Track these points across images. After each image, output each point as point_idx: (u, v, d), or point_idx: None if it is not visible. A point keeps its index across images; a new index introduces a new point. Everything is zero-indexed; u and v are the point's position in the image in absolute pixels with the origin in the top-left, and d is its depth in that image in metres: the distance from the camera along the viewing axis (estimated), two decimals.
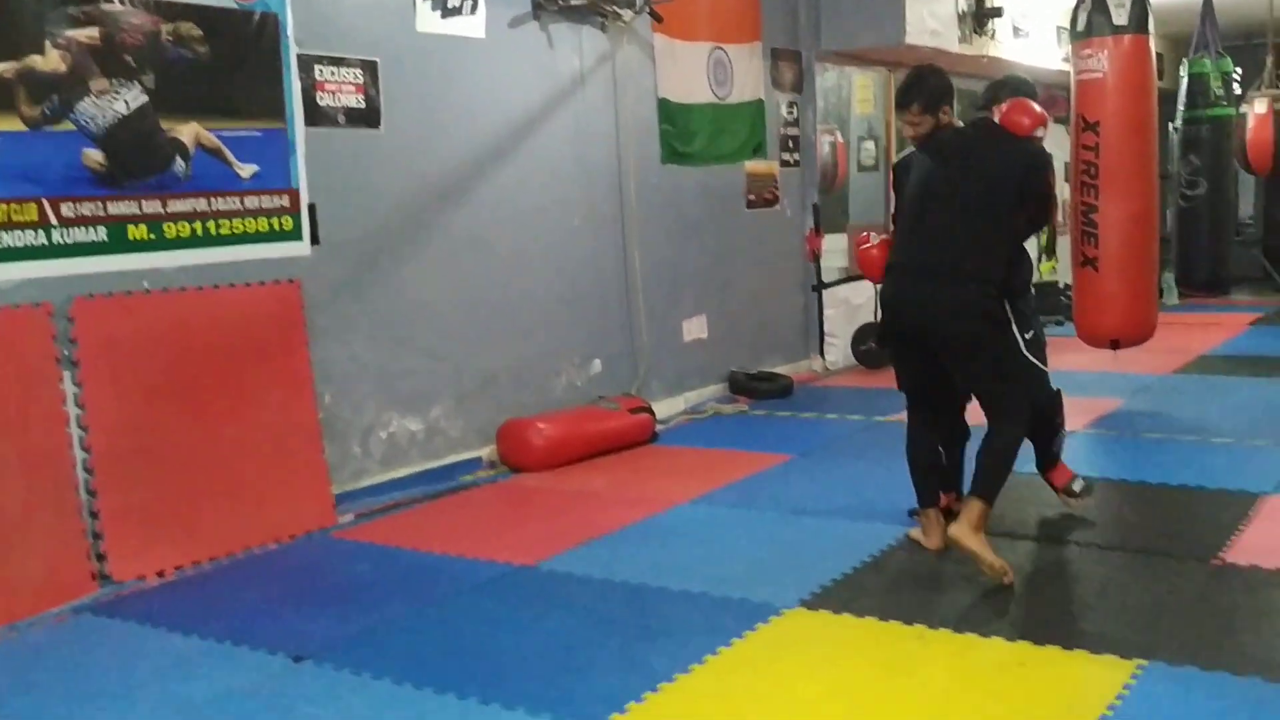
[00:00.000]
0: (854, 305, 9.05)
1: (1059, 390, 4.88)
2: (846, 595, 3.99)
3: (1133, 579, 4.08)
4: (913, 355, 4.47)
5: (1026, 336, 4.53)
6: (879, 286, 4.69)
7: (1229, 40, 11.52)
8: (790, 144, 8.66)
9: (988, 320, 4.22)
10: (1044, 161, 4.48)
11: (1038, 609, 3.84)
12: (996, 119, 4.51)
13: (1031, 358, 4.57)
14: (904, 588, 4.12)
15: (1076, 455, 5.69)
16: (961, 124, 4.65)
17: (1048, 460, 4.94)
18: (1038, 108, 4.47)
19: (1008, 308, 4.29)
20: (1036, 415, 4.55)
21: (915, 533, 4.60)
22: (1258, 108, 11.71)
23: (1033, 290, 5.05)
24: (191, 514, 4.68)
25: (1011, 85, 4.88)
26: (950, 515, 4.41)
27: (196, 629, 3.93)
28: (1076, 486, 4.91)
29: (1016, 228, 4.42)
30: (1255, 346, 9.35)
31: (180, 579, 4.51)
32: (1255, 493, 4.98)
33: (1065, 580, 4.13)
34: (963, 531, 4.07)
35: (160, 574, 4.50)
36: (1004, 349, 4.29)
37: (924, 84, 4.41)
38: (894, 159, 10.08)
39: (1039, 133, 4.41)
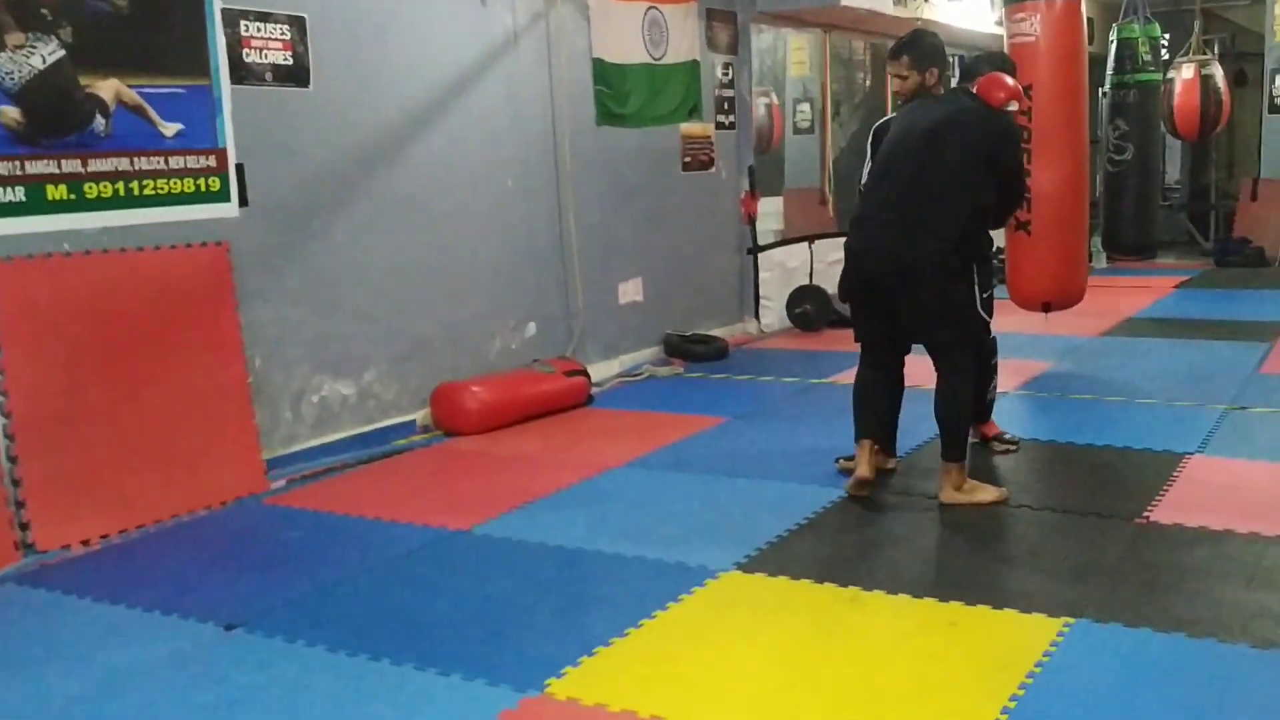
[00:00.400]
0: (789, 269, 9.07)
1: (995, 338, 5.17)
2: (782, 557, 4.02)
3: (1061, 538, 4.15)
4: (871, 305, 4.69)
5: (984, 296, 4.84)
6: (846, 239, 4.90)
7: (1157, 6, 11.66)
8: (726, 106, 8.63)
9: (944, 273, 4.44)
10: (1014, 134, 4.69)
11: (969, 569, 3.90)
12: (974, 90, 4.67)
13: (983, 311, 4.86)
14: (839, 549, 4.15)
15: (1009, 416, 5.78)
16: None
17: (982, 412, 5.20)
18: (1011, 82, 4.65)
19: (965, 264, 4.52)
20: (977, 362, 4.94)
21: (845, 462, 4.90)
22: (1184, 73, 11.89)
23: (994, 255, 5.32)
24: (118, 481, 4.59)
25: (990, 60, 5.03)
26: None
27: (124, 598, 3.86)
28: (1008, 435, 5.29)
29: (981, 194, 4.54)
30: (1180, 309, 9.54)
31: (107, 547, 4.42)
32: (1180, 453, 5.09)
33: (996, 540, 4.19)
34: (949, 495, 4.49)
35: (86, 543, 4.40)
36: (956, 302, 4.52)
37: (918, 40, 4.71)
38: (829, 121, 10.13)
39: (1011, 106, 4.59)
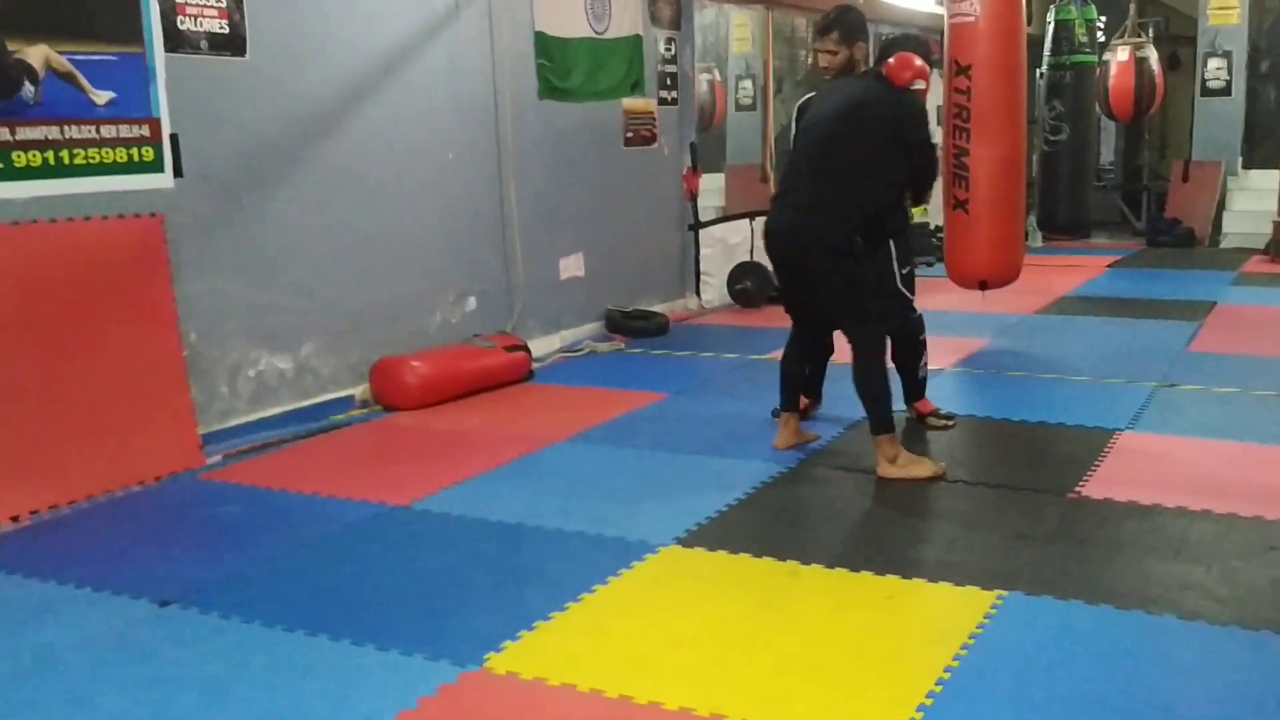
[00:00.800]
0: (730, 245, 9.10)
1: (921, 315, 5.29)
2: (721, 532, 4.04)
3: (995, 513, 4.21)
4: (787, 282, 4.93)
5: (903, 272, 5.06)
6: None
7: None
8: (668, 82, 8.61)
9: (844, 253, 4.55)
10: (916, 112, 4.73)
11: (905, 544, 3.95)
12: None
13: (903, 288, 5.08)
14: (777, 524, 4.19)
15: (944, 392, 5.85)
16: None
17: (916, 390, 5.33)
18: (919, 62, 4.70)
19: (874, 243, 4.67)
20: (906, 340, 5.16)
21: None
22: (1120, 55, 12.05)
23: (911, 232, 5.54)
24: (49, 456, 4.50)
25: (902, 42, 5.08)
26: (805, 417, 5.23)
27: (55, 575, 3.80)
28: (943, 411, 5.36)
29: (891, 173, 4.64)
30: (1113, 288, 9.70)
31: (37, 523, 4.34)
32: (1110, 429, 5.19)
33: (932, 515, 4.25)
34: (885, 470, 4.58)
35: (15, 519, 4.32)
36: (859, 281, 4.62)
37: (845, 16, 4.77)
38: (771, 98, 10.15)
39: (918, 85, 4.65)
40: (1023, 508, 4.24)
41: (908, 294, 5.18)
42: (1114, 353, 6.92)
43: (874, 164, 4.57)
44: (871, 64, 4.95)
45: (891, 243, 4.99)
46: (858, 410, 4.95)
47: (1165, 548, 3.80)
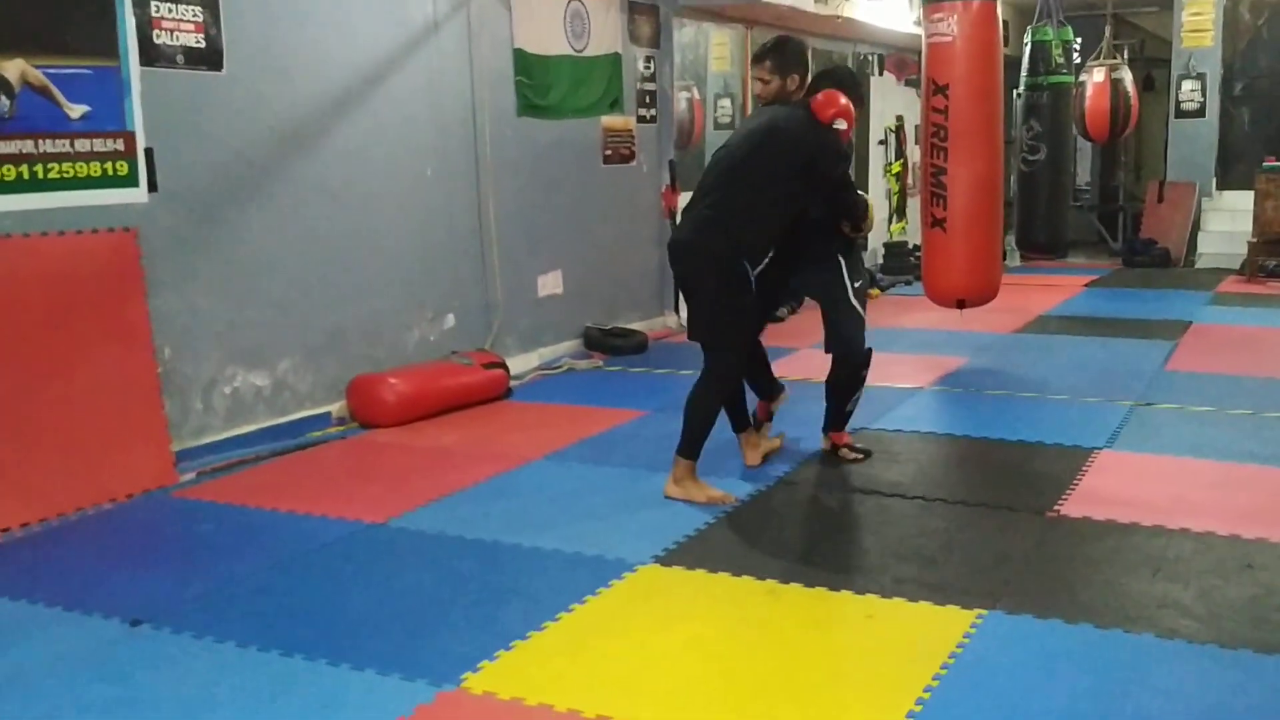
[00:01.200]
0: None
1: (870, 349, 5.03)
2: (699, 551, 4.02)
3: (975, 532, 4.21)
4: (682, 290, 4.87)
5: (856, 285, 4.93)
6: None
7: (1070, 10, 11.90)
8: (647, 99, 8.62)
9: (725, 271, 4.51)
10: (834, 149, 4.70)
11: (884, 562, 3.93)
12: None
13: (855, 302, 4.94)
14: (756, 543, 4.17)
15: (922, 411, 5.86)
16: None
17: (837, 421, 5.12)
18: (844, 101, 4.66)
19: (749, 273, 4.56)
20: (845, 366, 4.98)
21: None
22: (1095, 76, 12.14)
23: (861, 247, 5.46)
24: (19, 473, 4.44)
25: (834, 76, 5.00)
26: (773, 408, 5.23)
27: (25, 593, 3.74)
28: (858, 445, 5.16)
29: (797, 201, 4.65)
30: (1090, 307, 9.75)
31: (8, 541, 4.28)
32: (1088, 448, 5.20)
33: (911, 534, 4.24)
34: (669, 489, 4.57)
35: None
36: (727, 306, 4.56)
37: (783, 47, 4.78)
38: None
39: (839, 124, 4.62)
40: (1002, 526, 4.24)
41: (859, 308, 4.97)
42: (1092, 372, 6.95)
43: (776, 188, 4.55)
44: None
45: (841, 259, 4.92)
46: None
47: (1143, 566, 3.80)
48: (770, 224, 4.61)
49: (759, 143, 4.61)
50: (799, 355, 7.13)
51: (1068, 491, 4.59)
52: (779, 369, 5.39)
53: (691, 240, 4.60)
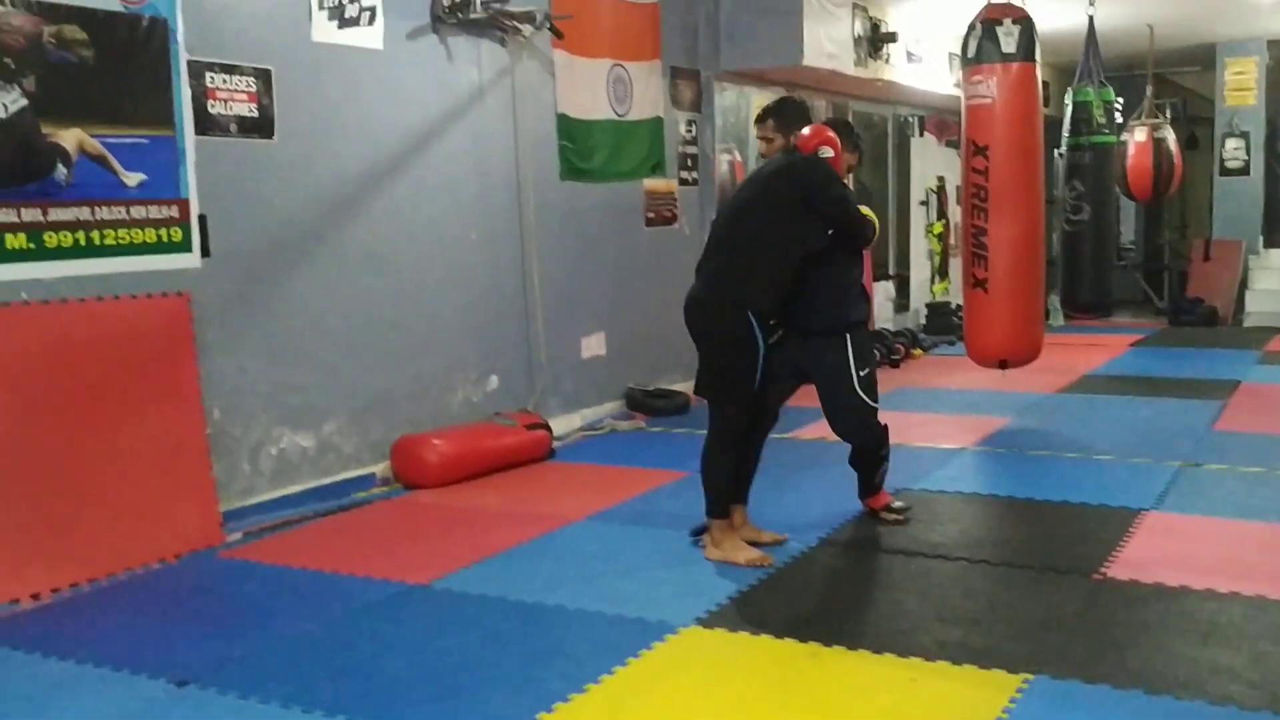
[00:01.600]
0: None
1: (886, 425, 5.00)
2: (742, 613, 4.01)
3: (1019, 594, 4.16)
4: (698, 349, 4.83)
5: (862, 374, 4.78)
6: None
7: (1111, 70, 11.90)
8: (689, 162, 8.71)
9: (725, 326, 4.55)
10: (823, 172, 4.65)
11: (928, 625, 3.89)
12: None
13: (863, 394, 4.79)
14: (798, 605, 4.15)
15: (965, 472, 5.82)
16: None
17: (870, 490, 5.10)
18: (828, 132, 4.72)
19: (755, 327, 4.52)
20: (861, 450, 4.97)
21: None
22: (1138, 136, 12.11)
23: (870, 326, 5.24)
24: (70, 533, 4.51)
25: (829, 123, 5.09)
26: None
27: (73, 653, 3.79)
28: (896, 504, 5.11)
29: (806, 240, 4.62)
30: (1136, 367, 9.66)
31: (57, 601, 4.34)
32: (1135, 509, 5.13)
33: (955, 596, 4.20)
34: (708, 552, 4.61)
35: (35, 596, 4.32)
36: (728, 359, 4.59)
37: (784, 106, 4.89)
38: None
39: (824, 152, 4.64)
40: (1047, 589, 4.19)
41: (868, 400, 4.79)
42: (1138, 432, 6.87)
43: (778, 231, 4.57)
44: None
45: (848, 336, 4.75)
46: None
47: (1194, 631, 3.74)
48: (776, 271, 4.59)
49: (756, 191, 4.70)
50: None
51: (1114, 553, 4.53)
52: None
53: (700, 296, 4.64)
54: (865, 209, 4.89)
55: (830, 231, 4.69)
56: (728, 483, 4.66)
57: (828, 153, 4.65)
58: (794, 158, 4.67)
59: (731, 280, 4.56)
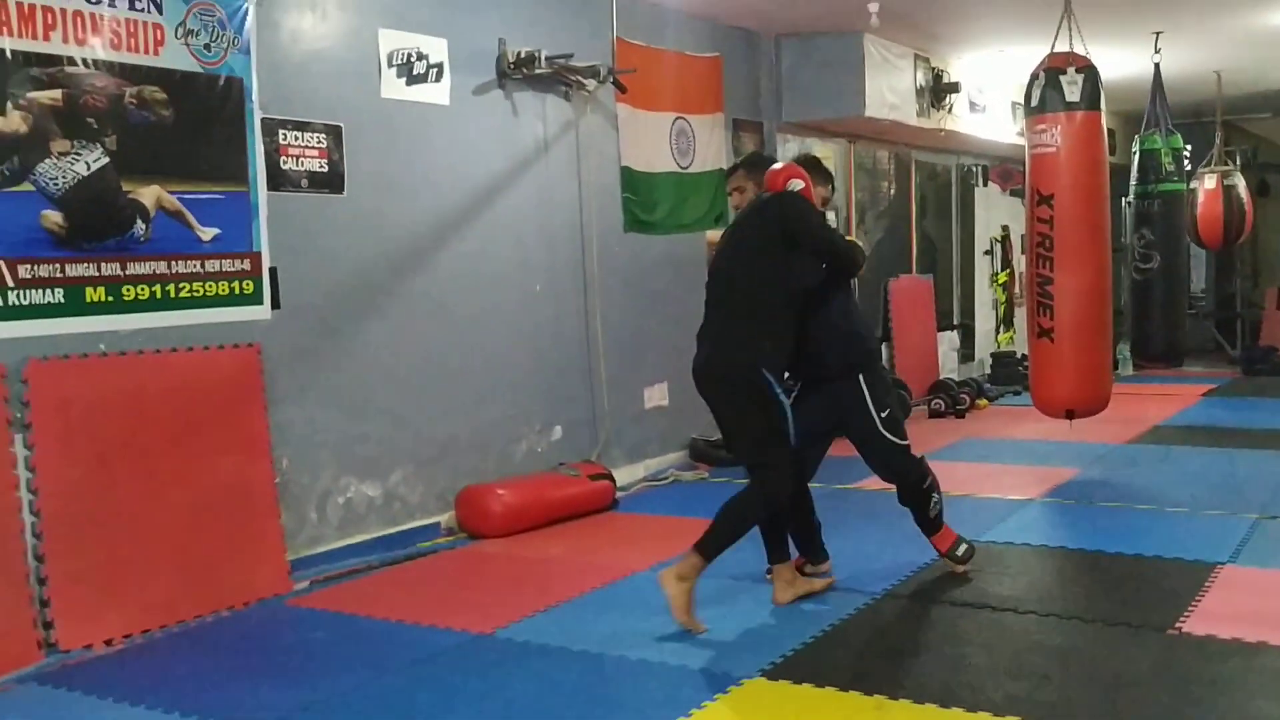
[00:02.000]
0: None
1: (923, 457, 4.93)
2: (807, 665, 3.97)
3: (1091, 649, 4.08)
4: (715, 417, 4.78)
5: (883, 415, 4.71)
6: None
7: (1179, 118, 11.78)
8: None
9: (741, 389, 4.47)
10: (799, 206, 4.60)
11: (996, 679, 3.83)
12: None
13: (889, 435, 4.73)
14: (865, 657, 4.10)
15: (1033, 523, 5.72)
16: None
17: (928, 527, 4.98)
18: (795, 167, 4.73)
19: (774, 386, 4.44)
20: (903, 488, 4.86)
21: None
22: (1207, 183, 11.97)
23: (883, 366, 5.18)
24: (142, 580, 4.60)
25: (756, 162, 5.04)
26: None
27: (144, 699, 3.85)
28: (960, 551, 4.98)
29: (795, 276, 4.57)
30: (1208, 417, 9.48)
31: (130, 647, 4.42)
32: (1210, 562, 5.02)
33: (1024, 650, 4.13)
34: (665, 575, 4.38)
35: (109, 642, 4.40)
36: (756, 425, 4.48)
37: (752, 159, 5.02)
38: (854, 229, 10.24)
39: (794, 185, 4.61)
40: (1120, 644, 4.10)
41: (895, 440, 4.75)
42: (1212, 483, 6.73)
43: (768, 273, 4.51)
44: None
45: (861, 378, 4.70)
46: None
47: (1273, 688, 3.64)
48: (778, 322, 4.53)
49: (738, 241, 4.69)
50: None
51: (1190, 608, 4.43)
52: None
53: (708, 361, 4.59)
54: (850, 236, 4.90)
55: (824, 265, 4.68)
56: (734, 541, 4.47)
57: (798, 184, 4.62)
58: (765, 198, 4.66)
59: (738, 340, 4.51)
